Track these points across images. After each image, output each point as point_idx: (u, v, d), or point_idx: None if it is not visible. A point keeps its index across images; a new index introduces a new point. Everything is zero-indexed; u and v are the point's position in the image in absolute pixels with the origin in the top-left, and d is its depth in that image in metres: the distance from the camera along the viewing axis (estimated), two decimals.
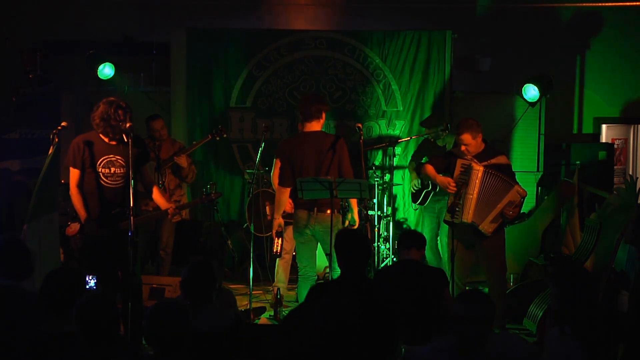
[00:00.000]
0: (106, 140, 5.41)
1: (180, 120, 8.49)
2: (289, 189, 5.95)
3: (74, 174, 5.41)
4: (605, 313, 4.57)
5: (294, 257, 7.01)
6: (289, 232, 6.80)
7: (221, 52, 8.54)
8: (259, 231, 7.50)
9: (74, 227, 5.45)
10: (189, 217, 8.24)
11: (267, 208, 6.91)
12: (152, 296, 6.29)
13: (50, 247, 5.50)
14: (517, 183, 5.90)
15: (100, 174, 5.40)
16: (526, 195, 5.90)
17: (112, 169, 5.41)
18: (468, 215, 5.81)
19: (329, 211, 5.74)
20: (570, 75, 9.47)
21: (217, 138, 7.43)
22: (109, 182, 5.42)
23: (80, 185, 5.42)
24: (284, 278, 6.83)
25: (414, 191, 7.45)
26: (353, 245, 4.29)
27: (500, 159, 5.96)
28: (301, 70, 8.53)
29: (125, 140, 5.22)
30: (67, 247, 5.52)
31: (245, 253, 7.69)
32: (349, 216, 6.04)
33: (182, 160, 7.09)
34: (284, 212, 6.49)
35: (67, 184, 7.55)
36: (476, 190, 5.80)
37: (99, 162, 5.40)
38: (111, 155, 5.41)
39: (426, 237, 7.36)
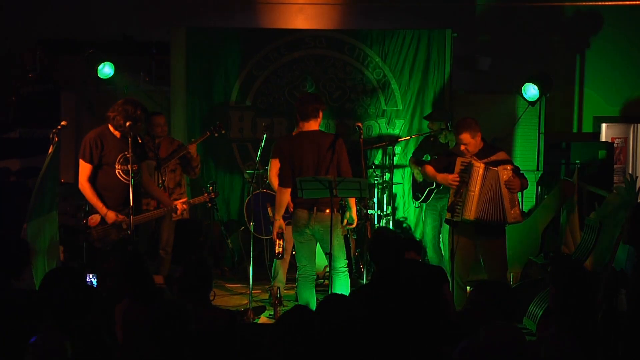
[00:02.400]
0: (118, 136, 5.60)
1: (180, 119, 8.49)
2: (289, 189, 5.95)
3: (87, 168, 5.60)
4: (604, 312, 4.58)
5: (292, 256, 7.03)
6: (288, 231, 6.81)
7: (221, 52, 8.54)
8: (259, 232, 7.48)
9: (96, 218, 5.64)
10: (189, 216, 8.24)
11: (269, 209, 6.86)
12: None
13: (50, 247, 5.50)
14: (523, 175, 5.94)
15: (120, 170, 5.59)
16: (512, 167, 5.87)
17: (128, 166, 5.57)
18: (470, 213, 5.81)
19: (328, 210, 5.73)
20: (570, 74, 9.47)
21: (216, 134, 7.39)
22: (127, 178, 5.59)
23: (92, 179, 5.59)
24: (283, 278, 6.84)
25: (420, 180, 7.40)
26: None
27: (500, 155, 5.97)
28: (301, 69, 8.53)
29: (140, 140, 5.41)
30: (88, 237, 5.65)
31: (245, 253, 7.70)
32: (347, 215, 6.04)
33: (193, 150, 7.10)
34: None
35: (67, 184, 7.62)
36: (478, 187, 5.80)
37: (117, 159, 5.59)
38: (125, 152, 5.60)
39: (428, 235, 7.43)
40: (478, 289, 3.75)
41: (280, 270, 6.82)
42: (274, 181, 6.36)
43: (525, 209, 8.11)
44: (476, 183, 5.80)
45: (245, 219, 7.20)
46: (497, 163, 5.87)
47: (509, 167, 5.83)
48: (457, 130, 5.94)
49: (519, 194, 5.95)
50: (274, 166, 6.32)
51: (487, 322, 3.47)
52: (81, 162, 5.63)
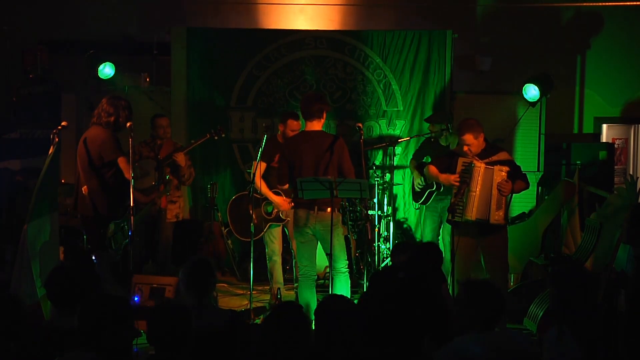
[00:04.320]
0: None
1: (181, 120, 8.49)
2: (285, 187, 6.02)
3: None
4: (605, 313, 4.57)
5: (284, 258, 7.07)
6: (276, 233, 6.81)
7: (222, 52, 8.54)
8: (244, 235, 7.24)
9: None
10: (189, 216, 8.24)
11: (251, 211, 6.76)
12: (152, 296, 6.28)
13: (50, 247, 5.50)
14: (524, 176, 5.93)
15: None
16: (507, 169, 5.83)
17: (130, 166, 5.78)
18: (472, 213, 5.79)
19: (329, 209, 5.73)
20: (571, 75, 9.48)
21: (216, 137, 7.33)
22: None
23: None
24: (280, 278, 6.85)
25: (418, 190, 7.42)
26: None
27: (501, 155, 5.95)
28: (301, 70, 8.53)
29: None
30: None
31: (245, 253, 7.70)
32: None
33: (180, 158, 6.88)
34: (284, 212, 6.59)
35: (67, 184, 7.63)
36: (479, 187, 5.78)
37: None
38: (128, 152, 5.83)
39: (427, 236, 7.42)
40: (464, 287, 3.74)
41: (274, 271, 6.83)
42: (260, 183, 6.35)
43: (525, 210, 8.11)
44: (477, 183, 5.79)
45: (228, 220, 7.09)
46: (497, 163, 5.85)
47: (504, 169, 5.80)
48: (460, 131, 5.92)
49: (508, 196, 5.89)
50: (260, 168, 6.30)
51: (473, 322, 3.48)
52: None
